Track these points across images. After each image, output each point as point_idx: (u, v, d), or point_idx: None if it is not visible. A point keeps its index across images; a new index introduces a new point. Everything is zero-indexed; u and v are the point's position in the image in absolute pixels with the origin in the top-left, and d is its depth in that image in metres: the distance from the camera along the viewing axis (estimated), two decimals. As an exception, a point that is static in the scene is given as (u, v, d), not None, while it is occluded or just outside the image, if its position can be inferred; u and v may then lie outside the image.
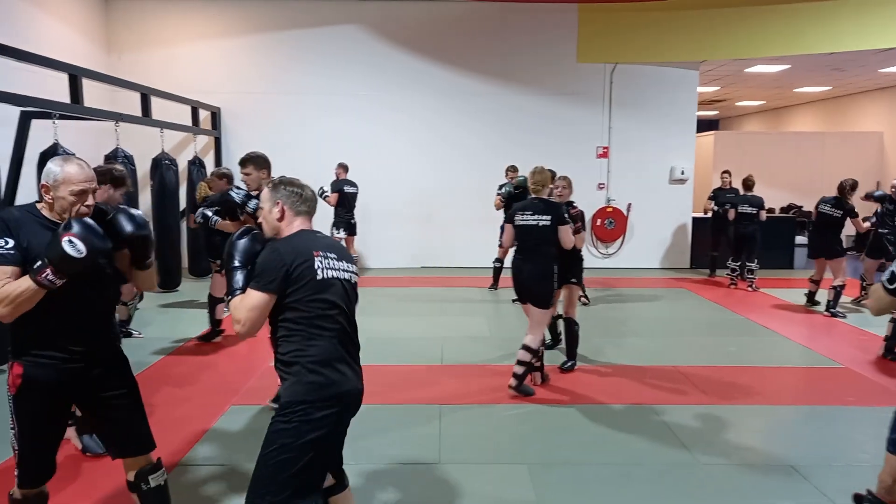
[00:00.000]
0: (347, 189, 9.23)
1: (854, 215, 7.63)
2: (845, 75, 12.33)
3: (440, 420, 4.35)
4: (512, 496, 3.40)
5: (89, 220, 2.26)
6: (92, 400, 2.48)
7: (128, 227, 2.42)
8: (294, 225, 2.46)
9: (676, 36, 9.96)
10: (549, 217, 4.71)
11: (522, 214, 4.80)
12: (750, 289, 9.06)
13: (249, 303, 2.27)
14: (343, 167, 9.44)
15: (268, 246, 2.39)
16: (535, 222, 4.74)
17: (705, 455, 3.88)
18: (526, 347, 4.78)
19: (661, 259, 11.23)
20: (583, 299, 7.80)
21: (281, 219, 2.44)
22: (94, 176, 2.40)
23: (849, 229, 8.26)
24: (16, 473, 2.42)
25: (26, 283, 2.19)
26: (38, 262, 2.19)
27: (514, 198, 8.17)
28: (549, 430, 4.26)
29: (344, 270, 2.43)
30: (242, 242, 2.41)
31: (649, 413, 4.53)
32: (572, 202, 5.54)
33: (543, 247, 4.74)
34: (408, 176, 10.75)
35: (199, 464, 3.69)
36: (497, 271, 8.86)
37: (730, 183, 10.08)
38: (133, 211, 2.52)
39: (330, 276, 2.35)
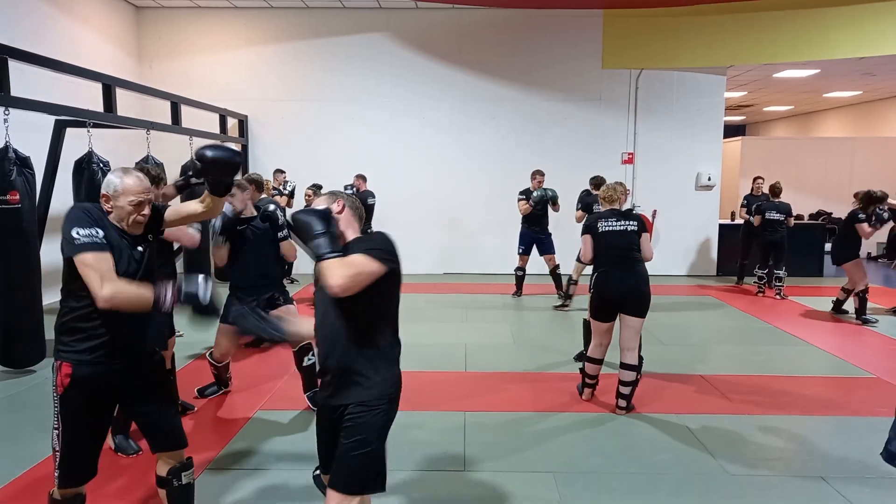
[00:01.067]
0: (370, 201, 9.36)
1: (858, 221, 7.44)
2: (876, 80, 12.12)
3: (465, 427, 4.36)
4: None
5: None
6: (129, 395, 2.58)
7: (209, 152, 2.55)
8: (355, 225, 2.49)
9: (703, 41, 9.88)
10: (634, 222, 4.59)
11: (606, 221, 4.61)
12: (778, 297, 8.93)
13: (363, 266, 2.22)
14: (362, 178, 9.54)
15: (378, 232, 2.46)
16: (622, 227, 4.56)
17: (732, 464, 3.83)
18: (628, 366, 4.56)
19: (688, 266, 11.12)
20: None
21: (340, 212, 2.45)
22: (151, 187, 2.57)
23: (878, 236, 8.09)
24: (56, 474, 2.49)
25: (146, 293, 2.36)
26: (168, 285, 2.38)
27: (531, 217, 8.27)
28: (574, 438, 4.25)
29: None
30: (315, 210, 2.37)
31: (675, 422, 4.48)
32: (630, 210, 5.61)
33: (634, 253, 4.56)
34: (430, 182, 10.80)
35: (226, 467, 3.74)
36: (520, 279, 8.83)
37: (761, 189, 9.95)
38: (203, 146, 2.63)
39: (400, 277, 2.45)
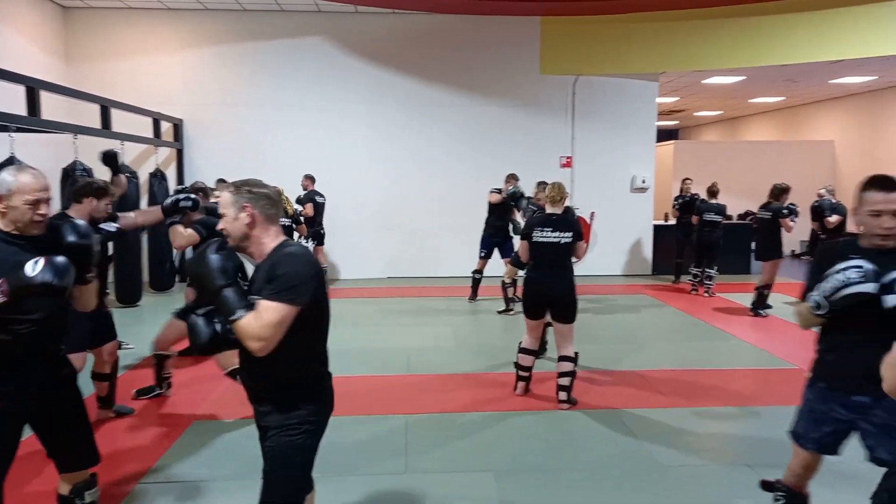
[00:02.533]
0: (318, 199, 9.29)
1: (782, 216, 7.90)
2: (798, 86, 12.78)
3: (406, 430, 4.37)
4: None
5: (63, 260, 2.25)
6: (40, 413, 2.46)
7: (69, 236, 2.41)
8: (272, 232, 2.26)
9: (636, 48, 10.19)
10: (570, 234, 4.73)
11: (542, 231, 4.75)
12: (707, 294, 9.30)
13: (274, 317, 2.07)
14: (310, 178, 9.46)
15: (288, 257, 2.18)
16: (556, 240, 4.71)
17: (667, 456, 3.98)
18: (566, 359, 4.76)
19: (624, 266, 11.45)
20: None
21: (250, 225, 2.21)
22: (48, 185, 2.40)
23: (801, 233, 8.55)
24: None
25: None
26: None
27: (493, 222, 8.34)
28: (515, 436, 4.32)
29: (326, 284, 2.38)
30: (220, 257, 2.15)
31: (614, 417, 4.62)
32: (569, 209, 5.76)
33: (565, 262, 4.78)
34: (376, 186, 10.78)
35: (160, 481, 3.64)
36: (476, 283, 8.74)
37: (689, 189, 10.32)
38: (78, 222, 2.52)
39: (326, 297, 2.30)
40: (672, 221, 10.99)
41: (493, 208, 8.30)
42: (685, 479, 3.70)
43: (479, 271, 8.67)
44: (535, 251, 4.77)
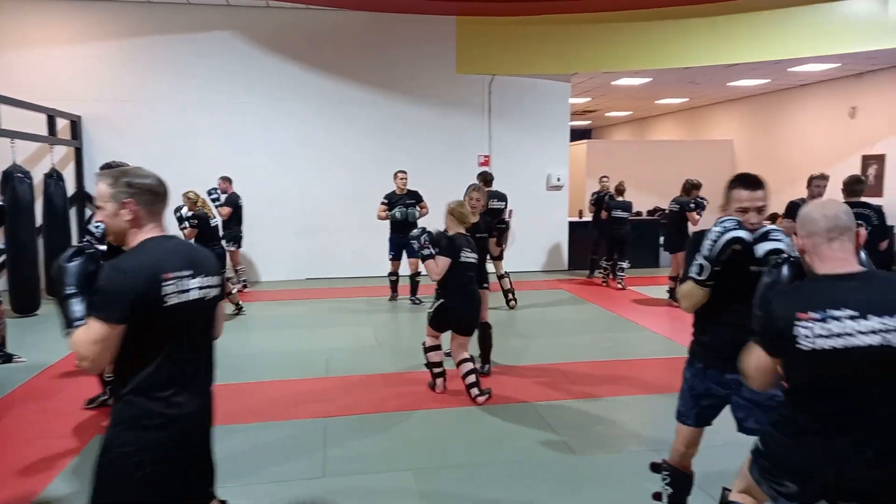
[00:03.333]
0: (240, 202, 9.13)
1: (689, 209, 8.37)
2: (700, 88, 13.46)
3: (325, 433, 4.29)
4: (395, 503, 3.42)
5: None
6: None
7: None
8: (145, 230, 2.04)
9: (549, 49, 10.45)
10: (474, 255, 4.85)
11: (466, 252, 4.77)
12: (620, 286, 9.67)
13: (90, 335, 1.86)
14: (227, 180, 9.19)
15: (108, 265, 1.95)
16: (474, 259, 4.84)
17: (584, 446, 4.09)
18: (464, 360, 4.85)
19: (542, 263, 11.71)
20: (511, 302, 8.34)
21: (132, 222, 2.02)
22: None
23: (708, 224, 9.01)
24: None
25: None
26: None
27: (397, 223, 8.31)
28: (435, 434, 4.32)
29: (199, 288, 2.05)
30: (74, 265, 1.97)
31: (531, 411, 4.71)
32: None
33: (475, 277, 4.91)
34: (291, 187, 10.53)
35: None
36: (394, 283, 8.71)
37: (607, 187, 10.63)
38: None
39: (180, 301, 1.98)
40: (587, 218, 11.34)
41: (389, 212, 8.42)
42: (598, 467, 3.82)
43: (393, 273, 8.64)
44: (457, 269, 4.76)
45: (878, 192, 11.00)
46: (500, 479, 3.67)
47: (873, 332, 1.74)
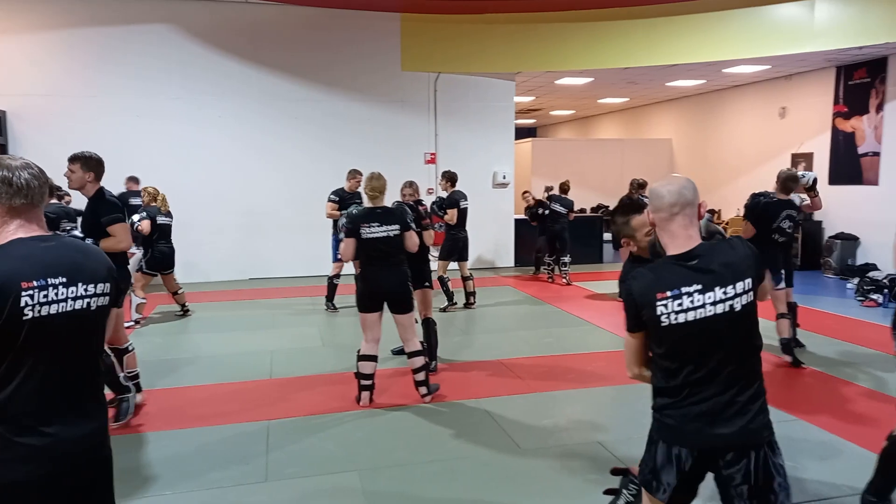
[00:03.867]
0: (132, 201, 8.25)
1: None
2: (639, 88, 13.79)
3: (268, 435, 4.21)
4: (342, 504, 3.38)
5: None
6: None
7: None
8: (8, 230, 1.76)
9: (494, 48, 10.52)
10: (396, 226, 4.67)
11: (369, 227, 4.65)
12: (564, 280, 9.83)
13: None
14: (134, 180, 8.82)
15: None
16: (384, 234, 4.63)
17: (526, 441, 4.13)
18: (413, 353, 4.79)
19: (489, 259, 11.79)
20: (470, 300, 8.35)
21: None
22: None
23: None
24: None
25: None
26: None
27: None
28: (381, 433, 4.29)
29: (78, 298, 1.77)
30: None
31: (475, 406, 4.73)
32: (421, 200, 5.88)
33: (397, 255, 4.72)
34: (232, 185, 10.29)
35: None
36: (332, 288, 8.25)
37: (534, 199, 10.68)
38: None
39: (48, 314, 1.70)
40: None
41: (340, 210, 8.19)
42: (543, 461, 3.86)
43: (337, 276, 8.34)
44: (365, 247, 4.67)
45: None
46: (446, 476, 3.67)
47: (720, 301, 1.91)
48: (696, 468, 2.01)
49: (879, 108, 10.10)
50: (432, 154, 11.25)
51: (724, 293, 1.92)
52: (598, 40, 10.13)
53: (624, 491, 2.95)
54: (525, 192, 10.93)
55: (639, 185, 8.72)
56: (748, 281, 1.94)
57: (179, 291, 7.73)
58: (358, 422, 4.47)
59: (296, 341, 6.66)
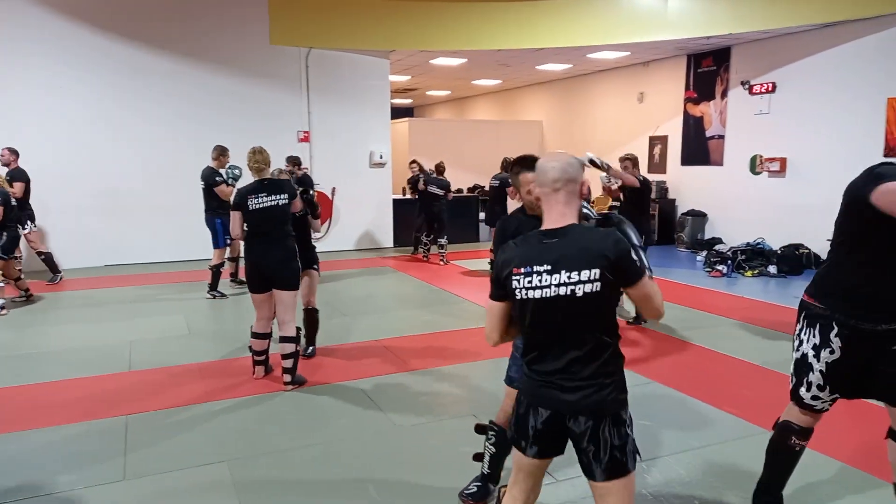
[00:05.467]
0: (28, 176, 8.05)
1: (509, 185, 8.85)
2: (511, 70, 14.14)
3: (126, 432, 3.92)
4: (211, 498, 3.21)
5: None
6: None
7: None
8: None
9: (367, 25, 10.32)
10: (285, 196, 4.58)
11: (257, 197, 4.52)
12: (442, 262, 9.95)
13: None
14: (14, 152, 7.99)
15: None
16: (273, 203, 4.53)
17: (405, 419, 4.14)
18: (287, 339, 4.63)
19: (367, 240, 11.70)
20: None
21: None
22: None
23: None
24: None
25: None
26: None
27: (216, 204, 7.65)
28: (253, 422, 4.13)
29: None
30: None
31: (352, 387, 4.67)
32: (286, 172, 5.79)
33: (283, 227, 4.62)
34: (91, 164, 9.46)
35: None
36: (217, 275, 7.67)
37: (416, 171, 10.70)
38: None
39: None
40: (409, 196, 11.47)
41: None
42: (419, 437, 3.90)
43: (221, 264, 7.77)
44: (251, 220, 4.59)
45: (662, 169, 12.39)
46: (321, 459, 3.61)
47: (563, 284, 1.98)
48: (552, 428, 2.11)
49: (724, 94, 11.02)
50: (305, 132, 10.92)
51: (569, 277, 1.98)
52: (471, 21, 10.23)
53: (487, 445, 3.07)
54: (412, 162, 10.86)
55: (509, 165, 8.96)
56: (596, 271, 1.96)
57: (22, 277, 7.13)
58: (229, 411, 4.27)
59: (159, 331, 6.25)
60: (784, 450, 2.79)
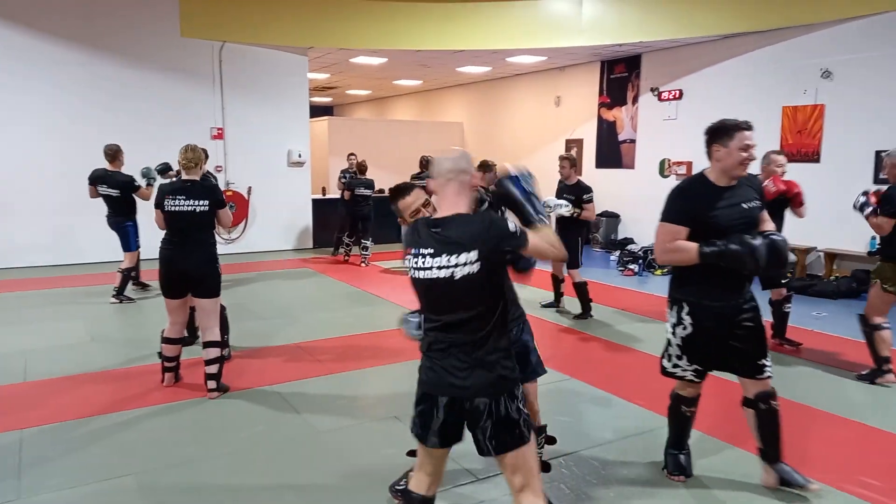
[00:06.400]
0: None
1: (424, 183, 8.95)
2: (432, 71, 14.18)
3: (21, 448, 3.64)
4: (115, 514, 3.03)
5: None
6: None
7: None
8: None
9: (284, 20, 10.08)
10: (205, 202, 4.36)
11: (174, 199, 4.30)
12: (363, 264, 9.84)
13: None
14: None
15: None
16: (191, 208, 4.31)
17: (324, 422, 4.05)
18: (211, 344, 4.41)
19: (286, 241, 11.42)
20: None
21: None
22: None
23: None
24: None
25: None
26: None
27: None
28: (162, 432, 3.93)
29: None
30: None
31: (272, 394, 4.54)
32: (209, 176, 5.38)
33: (202, 233, 4.41)
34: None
35: None
36: (126, 280, 7.27)
37: (354, 163, 10.55)
38: None
39: None
40: (331, 195, 11.29)
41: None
42: (340, 441, 3.83)
43: (133, 268, 7.36)
44: (169, 221, 4.38)
45: (577, 171, 12.73)
46: (240, 467, 3.47)
47: (444, 267, 2.12)
48: (448, 414, 2.20)
49: (635, 100, 11.49)
50: (219, 129, 10.54)
51: (448, 261, 2.11)
52: (391, 21, 10.19)
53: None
54: (350, 155, 10.63)
55: (427, 162, 9.03)
56: (473, 253, 2.10)
57: None
58: (136, 422, 4.05)
59: (57, 338, 5.86)
60: (678, 415, 3.30)
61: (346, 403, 4.42)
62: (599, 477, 3.35)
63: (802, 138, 8.86)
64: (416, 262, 2.19)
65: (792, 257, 8.40)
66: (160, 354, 4.61)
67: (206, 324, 4.46)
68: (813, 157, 8.65)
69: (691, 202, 2.94)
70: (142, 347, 5.46)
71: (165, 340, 4.55)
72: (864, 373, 4.83)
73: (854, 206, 4.79)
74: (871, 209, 4.63)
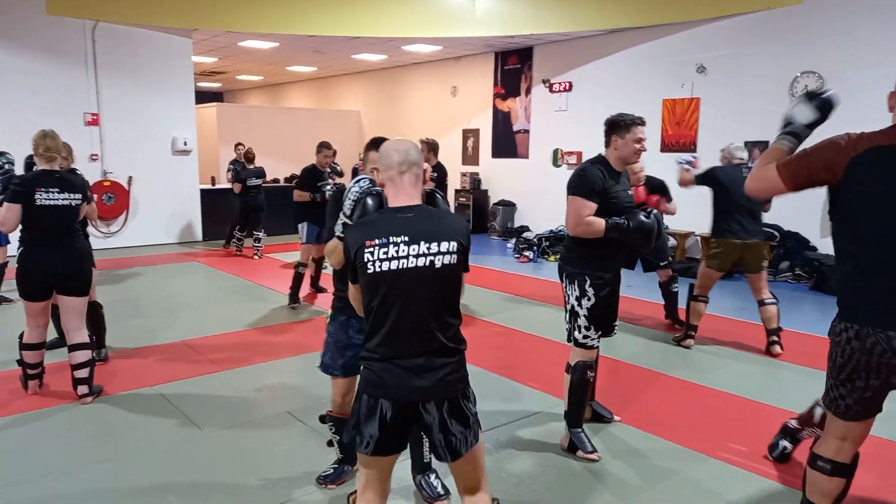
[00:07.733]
0: None
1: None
2: (327, 58, 13.86)
3: None
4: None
5: None
6: None
7: None
8: None
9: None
10: (79, 196, 4.04)
11: (47, 192, 3.88)
12: (256, 257, 9.51)
13: None
14: None
15: None
16: (66, 202, 3.96)
17: (211, 422, 3.87)
18: (79, 346, 4.07)
19: (173, 233, 10.84)
20: None
21: None
22: None
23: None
24: None
25: None
26: None
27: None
28: (33, 443, 3.60)
29: None
30: None
31: (152, 394, 4.28)
32: (75, 170, 4.85)
33: (74, 229, 4.09)
34: None
35: None
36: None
37: (242, 155, 10.15)
38: None
39: None
40: (221, 185, 10.81)
41: None
42: (230, 439, 3.67)
43: (5, 264, 6.72)
44: (37, 217, 3.93)
45: (475, 161, 12.94)
46: (121, 473, 3.25)
47: (423, 255, 2.03)
48: (398, 418, 2.08)
49: (528, 91, 11.77)
50: (94, 114, 9.80)
51: (428, 248, 2.03)
52: (282, 4, 9.82)
53: (332, 434, 3.10)
54: (238, 145, 10.17)
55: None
56: (453, 243, 2.05)
57: None
58: (-2, 432, 3.70)
59: None
60: (583, 383, 3.44)
61: (237, 402, 4.24)
62: (493, 459, 3.41)
63: (681, 129, 9.42)
64: (386, 252, 2.01)
65: (672, 241, 8.96)
66: (20, 362, 4.20)
67: (73, 324, 4.11)
68: (690, 147, 9.22)
69: (600, 180, 3.24)
70: (4, 351, 4.99)
71: (28, 347, 4.12)
72: (677, 335, 5.59)
73: (677, 161, 5.69)
74: (685, 165, 5.51)
